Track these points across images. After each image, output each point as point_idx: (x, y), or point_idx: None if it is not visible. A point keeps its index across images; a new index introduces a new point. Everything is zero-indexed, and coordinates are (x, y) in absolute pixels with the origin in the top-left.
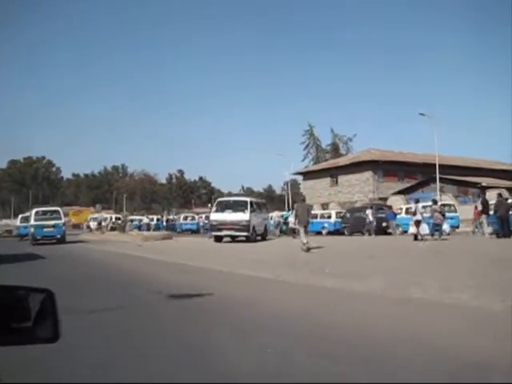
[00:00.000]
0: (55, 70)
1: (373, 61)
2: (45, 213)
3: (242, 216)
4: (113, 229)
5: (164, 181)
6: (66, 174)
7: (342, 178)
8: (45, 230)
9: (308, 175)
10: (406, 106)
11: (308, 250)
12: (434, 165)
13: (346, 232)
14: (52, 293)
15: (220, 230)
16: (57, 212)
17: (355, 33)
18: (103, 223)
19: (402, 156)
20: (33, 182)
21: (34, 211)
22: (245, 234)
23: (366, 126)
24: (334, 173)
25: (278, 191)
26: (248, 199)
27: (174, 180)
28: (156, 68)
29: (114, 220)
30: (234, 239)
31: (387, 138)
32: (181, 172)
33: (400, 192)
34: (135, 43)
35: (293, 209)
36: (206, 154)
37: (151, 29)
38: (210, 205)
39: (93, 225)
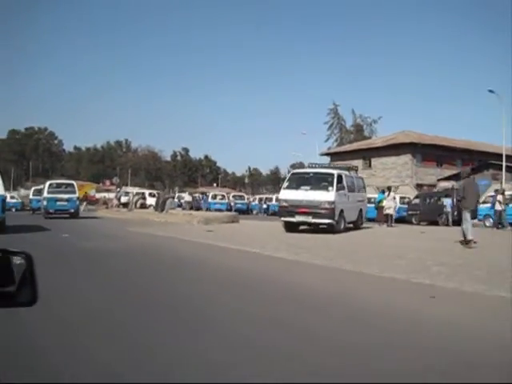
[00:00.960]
0: (62, 38)
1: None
2: (59, 186)
3: (325, 195)
4: (143, 206)
5: (169, 158)
6: (68, 147)
7: (376, 161)
8: (58, 203)
9: (336, 156)
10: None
11: (469, 246)
12: (476, 151)
13: (413, 220)
14: (30, 256)
15: (292, 214)
16: (71, 185)
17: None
18: (129, 198)
19: (441, 140)
20: (33, 154)
21: (47, 183)
22: (327, 221)
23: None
24: (366, 154)
25: (285, 173)
26: (335, 171)
27: (178, 158)
28: (166, 44)
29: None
30: (312, 226)
31: (415, 122)
32: (185, 150)
33: (448, 178)
34: (146, 18)
35: (388, 190)
36: (212, 133)
37: (160, 8)
38: (215, 184)
39: (114, 201)
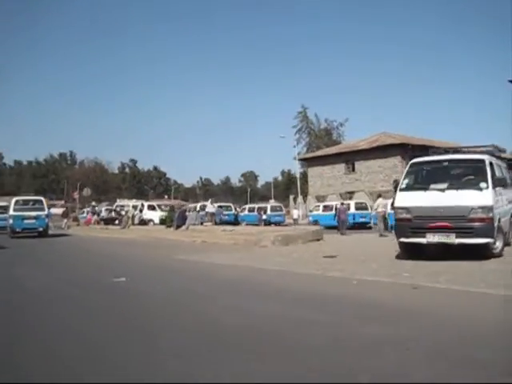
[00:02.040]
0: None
1: None
2: (26, 202)
3: (476, 197)
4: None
5: (116, 171)
6: (8, 161)
7: (360, 165)
8: (25, 221)
9: (312, 161)
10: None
11: None
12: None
13: None
14: None
15: (419, 232)
16: (39, 202)
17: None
18: (123, 212)
19: (430, 142)
20: None
21: (13, 200)
22: (482, 240)
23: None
24: (349, 158)
25: (236, 183)
26: (485, 157)
27: (126, 170)
28: (112, 52)
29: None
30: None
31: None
32: (133, 161)
33: None
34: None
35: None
36: (161, 144)
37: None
38: (166, 196)
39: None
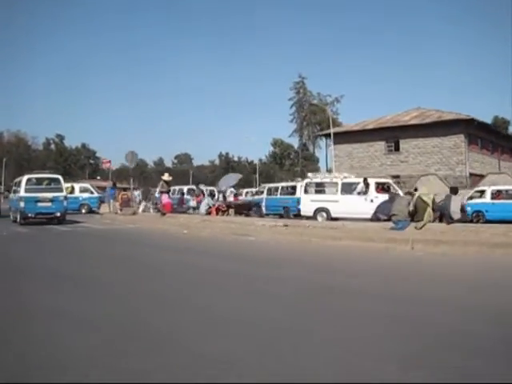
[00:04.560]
0: None
1: None
2: (40, 181)
3: None
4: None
5: (41, 147)
6: None
7: (406, 143)
8: (39, 204)
9: (340, 137)
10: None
11: None
12: None
13: None
14: None
15: None
16: (56, 181)
17: None
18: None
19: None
20: None
21: (24, 178)
22: None
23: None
24: (391, 135)
25: (169, 164)
26: None
27: (52, 146)
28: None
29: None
30: None
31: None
32: (60, 137)
33: None
34: None
35: None
36: (90, 119)
37: None
38: (98, 177)
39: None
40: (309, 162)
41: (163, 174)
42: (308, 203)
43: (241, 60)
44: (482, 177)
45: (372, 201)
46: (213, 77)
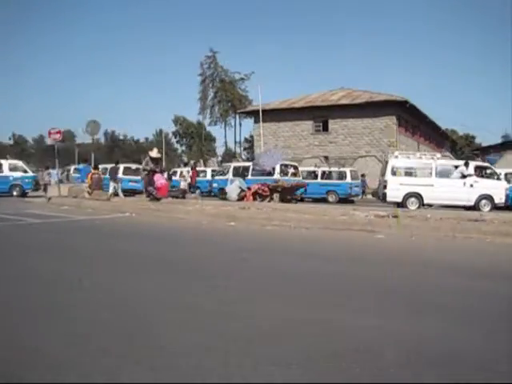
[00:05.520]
0: None
1: None
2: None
3: None
4: None
5: None
6: None
7: (336, 124)
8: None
9: (265, 115)
10: None
11: None
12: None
13: None
14: None
15: None
16: None
17: None
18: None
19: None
20: None
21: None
22: None
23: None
24: (320, 114)
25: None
26: None
27: None
28: None
29: None
30: None
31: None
32: None
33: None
34: None
35: None
36: None
37: None
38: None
39: None
40: (206, 142)
41: (151, 150)
42: (396, 187)
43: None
44: None
45: (472, 186)
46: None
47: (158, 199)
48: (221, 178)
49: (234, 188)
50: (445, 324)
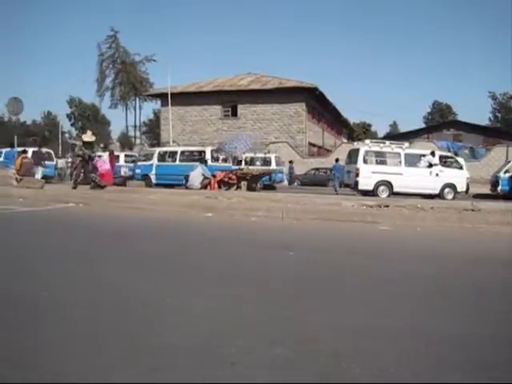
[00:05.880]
0: None
1: None
2: None
3: None
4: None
5: None
6: None
7: (245, 109)
8: None
9: (167, 99)
10: None
11: None
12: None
13: None
14: None
15: None
16: None
17: None
18: None
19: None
20: None
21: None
22: None
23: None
24: (228, 99)
25: None
26: None
27: None
28: None
29: None
30: None
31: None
32: None
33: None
34: None
35: None
36: None
37: None
38: None
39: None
40: (99, 125)
41: (85, 132)
42: (368, 175)
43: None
44: (318, 147)
45: (437, 175)
46: None
47: (101, 187)
48: (144, 163)
49: (196, 175)
50: None
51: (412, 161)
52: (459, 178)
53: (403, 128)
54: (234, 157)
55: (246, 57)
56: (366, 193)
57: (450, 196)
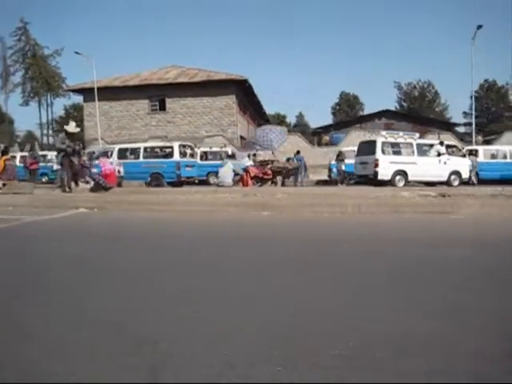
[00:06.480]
0: None
1: None
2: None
3: None
4: None
5: None
6: None
7: (174, 103)
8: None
9: (92, 95)
10: None
11: None
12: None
13: None
14: None
15: None
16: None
17: None
18: None
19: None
20: None
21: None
22: None
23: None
24: (156, 93)
25: None
26: None
27: None
28: None
29: None
30: None
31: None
32: None
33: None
34: None
35: None
36: None
37: None
38: None
39: None
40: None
41: (67, 124)
42: (387, 165)
43: None
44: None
45: (445, 163)
46: None
47: (106, 189)
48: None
49: (227, 171)
50: None
51: (423, 150)
52: (464, 165)
53: (310, 119)
54: (272, 150)
55: (167, 49)
56: (381, 183)
57: (456, 183)
